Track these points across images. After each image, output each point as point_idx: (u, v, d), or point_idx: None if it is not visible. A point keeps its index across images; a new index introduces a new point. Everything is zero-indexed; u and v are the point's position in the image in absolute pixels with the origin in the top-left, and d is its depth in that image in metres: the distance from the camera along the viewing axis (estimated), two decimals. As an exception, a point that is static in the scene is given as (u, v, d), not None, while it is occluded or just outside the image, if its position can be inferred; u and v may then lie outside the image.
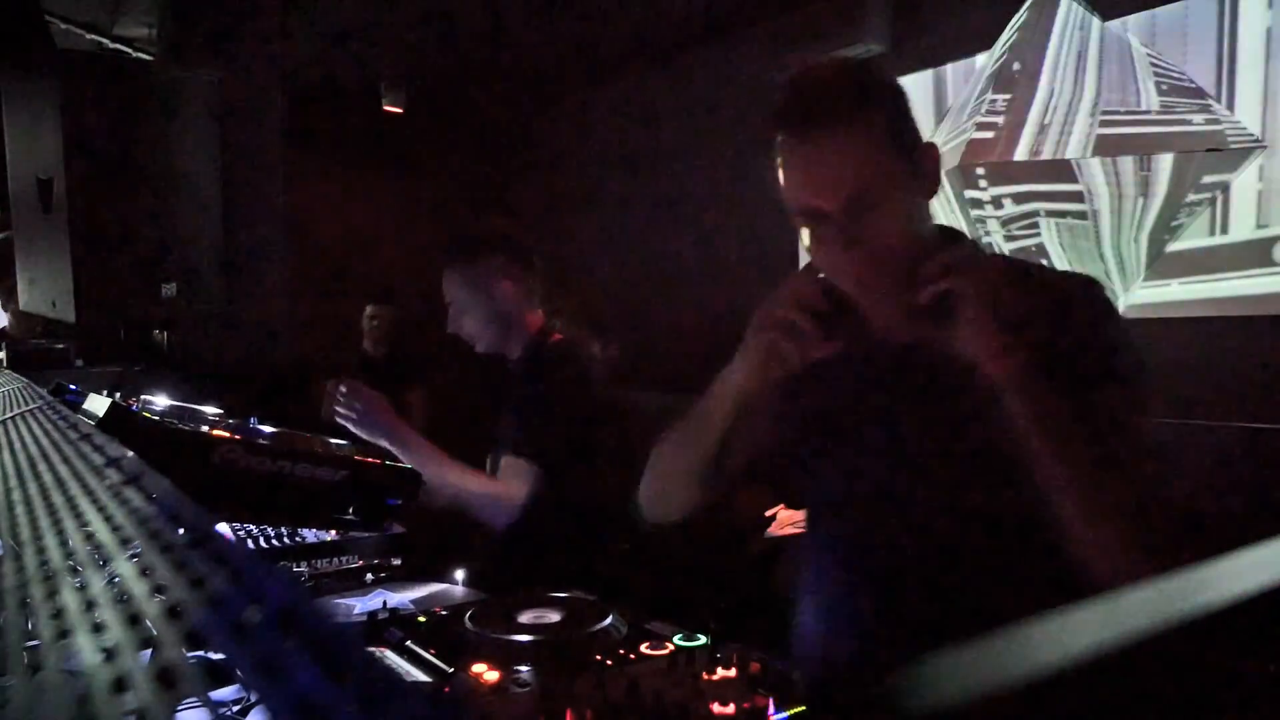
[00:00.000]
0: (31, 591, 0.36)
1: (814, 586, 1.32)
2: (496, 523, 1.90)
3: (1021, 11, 3.89)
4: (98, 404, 1.41)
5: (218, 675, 0.99)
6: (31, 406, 1.02)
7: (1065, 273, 1.35)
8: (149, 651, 0.38)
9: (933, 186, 1.17)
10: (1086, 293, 1.19)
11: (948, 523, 1.17)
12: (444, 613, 1.34)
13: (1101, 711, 1.11)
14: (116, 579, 0.32)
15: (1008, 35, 3.95)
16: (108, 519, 0.38)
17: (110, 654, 0.33)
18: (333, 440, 1.65)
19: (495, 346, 2.12)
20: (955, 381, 1.11)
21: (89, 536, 0.38)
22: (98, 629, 0.35)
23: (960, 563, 1.16)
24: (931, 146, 1.18)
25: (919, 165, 1.15)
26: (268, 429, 1.61)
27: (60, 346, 3.51)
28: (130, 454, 0.52)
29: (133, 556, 0.32)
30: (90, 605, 0.36)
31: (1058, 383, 1.04)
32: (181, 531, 0.33)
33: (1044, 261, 3.77)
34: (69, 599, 0.38)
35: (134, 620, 0.34)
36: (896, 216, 1.10)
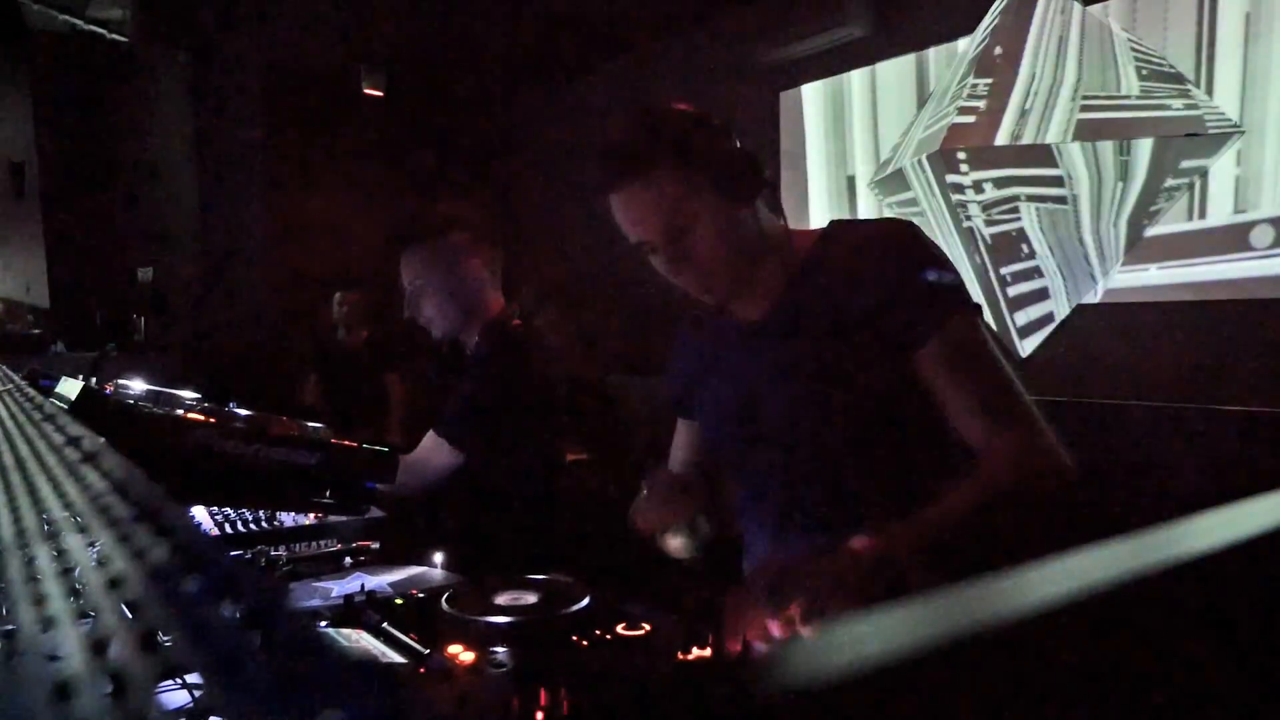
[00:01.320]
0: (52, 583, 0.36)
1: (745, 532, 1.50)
2: (405, 490, 1.92)
3: (1003, -5, 3.89)
4: (70, 388, 1.40)
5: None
6: None
7: (870, 226, 1.46)
8: (123, 630, 0.38)
9: (748, 190, 1.31)
10: (890, 242, 1.31)
11: (812, 445, 1.33)
12: (421, 595, 1.34)
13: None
14: (62, 553, 0.31)
15: (989, 20, 3.95)
16: (61, 497, 0.38)
17: (100, 646, 0.33)
18: (309, 423, 1.65)
19: (453, 331, 2.08)
20: (799, 343, 1.33)
21: (41, 514, 0.37)
22: (73, 606, 0.35)
23: (833, 471, 1.32)
24: (738, 156, 1.31)
25: (728, 178, 1.29)
26: (242, 412, 1.60)
27: (36, 332, 3.48)
28: (88, 432, 0.51)
29: (82, 532, 0.32)
30: (72, 588, 0.36)
31: (892, 342, 1.25)
32: (130, 507, 0.33)
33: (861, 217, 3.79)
34: (49, 589, 0.37)
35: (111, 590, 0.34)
36: (713, 229, 1.29)
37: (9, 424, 0.72)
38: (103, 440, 0.47)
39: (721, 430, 1.47)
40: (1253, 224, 3.24)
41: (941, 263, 1.29)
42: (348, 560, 1.67)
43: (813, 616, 0.99)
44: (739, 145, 1.34)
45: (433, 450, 1.98)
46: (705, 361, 1.51)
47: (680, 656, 1.06)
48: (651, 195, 1.28)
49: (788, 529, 1.38)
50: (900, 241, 1.31)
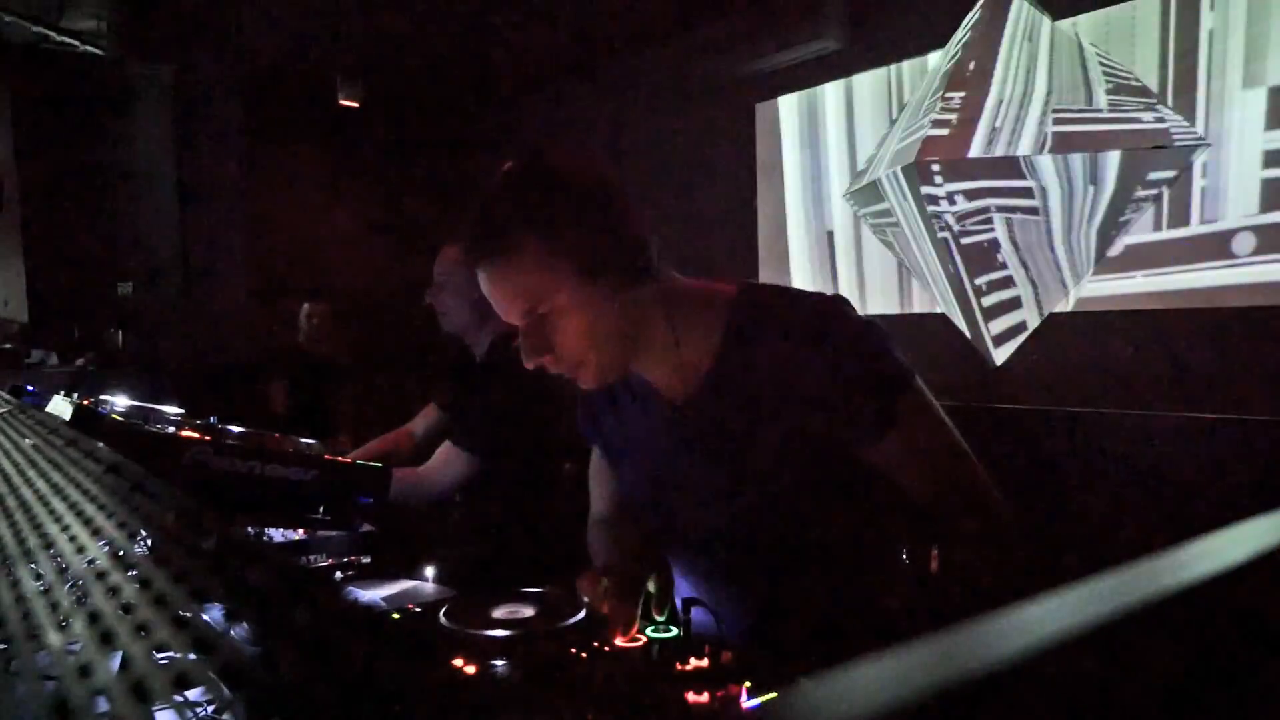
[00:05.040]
0: (57, 598, 0.38)
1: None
2: (418, 501, 2.08)
3: (974, 10, 3.96)
4: (61, 406, 1.39)
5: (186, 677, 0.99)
6: (1, 411, 1.02)
7: (801, 304, 1.26)
8: (119, 654, 0.40)
9: (624, 272, 1.18)
10: (827, 327, 1.21)
11: (733, 541, 1.32)
12: (417, 609, 1.35)
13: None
14: (146, 584, 0.33)
15: (961, 34, 4.02)
16: (122, 525, 0.39)
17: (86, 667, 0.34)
18: (302, 440, 1.65)
19: (463, 330, 2.23)
20: (730, 429, 1.27)
21: (109, 544, 0.39)
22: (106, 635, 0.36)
23: (777, 563, 1.32)
24: (611, 229, 1.17)
25: (603, 263, 1.16)
26: (235, 429, 1.61)
27: (8, 346, 3.44)
28: (128, 460, 0.53)
29: (156, 560, 0.34)
30: (126, 610, 0.38)
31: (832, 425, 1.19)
32: (204, 536, 0.35)
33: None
34: (102, 604, 0.39)
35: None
36: (576, 319, 1.17)
37: (27, 449, 0.73)
38: (143, 468, 0.48)
39: (635, 502, 1.46)
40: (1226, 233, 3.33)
41: (875, 336, 1.21)
42: (339, 575, 1.67)
43: None
44: (618, 212, 1.18)
45: (449, 462, 2.08)
46: (621, 417, 1.43)
47: (679, 667, 1.09)
48: (506, 277, 1.18)
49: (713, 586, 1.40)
50: (837, 327, 1.21)
